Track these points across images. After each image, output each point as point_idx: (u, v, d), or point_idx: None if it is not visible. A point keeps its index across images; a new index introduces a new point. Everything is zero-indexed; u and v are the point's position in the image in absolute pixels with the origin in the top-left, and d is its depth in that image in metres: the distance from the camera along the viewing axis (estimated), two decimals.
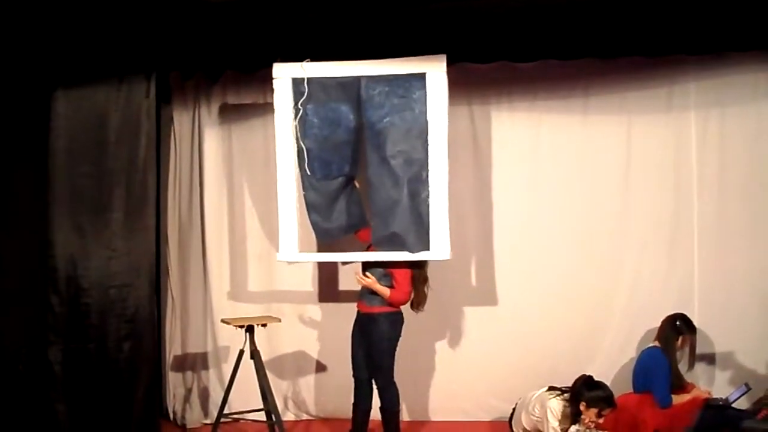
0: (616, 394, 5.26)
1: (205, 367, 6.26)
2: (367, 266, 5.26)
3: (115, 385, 5.24)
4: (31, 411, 5.22)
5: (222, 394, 5.58)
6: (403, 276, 5.18)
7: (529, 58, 5.97)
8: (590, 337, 6.03)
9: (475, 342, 6.13)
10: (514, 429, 5.37)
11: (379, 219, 5.24)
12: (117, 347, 5.26)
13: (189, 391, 6.24)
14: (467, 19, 5.35)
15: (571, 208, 6.05)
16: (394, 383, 5.23)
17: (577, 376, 5.26)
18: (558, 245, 6.05)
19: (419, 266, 5.24)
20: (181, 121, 6.28)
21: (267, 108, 5.86)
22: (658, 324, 5.58)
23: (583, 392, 4.96)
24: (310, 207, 5.34)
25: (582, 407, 4.92)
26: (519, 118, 6.10)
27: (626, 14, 5.35)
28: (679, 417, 5.30)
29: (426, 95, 5.13)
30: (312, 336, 6.24)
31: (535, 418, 5.14)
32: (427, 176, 5.15)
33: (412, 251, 5.17)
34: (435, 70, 5.12)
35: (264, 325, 5.53)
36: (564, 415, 4.99)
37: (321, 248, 5.86)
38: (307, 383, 6.26)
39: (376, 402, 5.31)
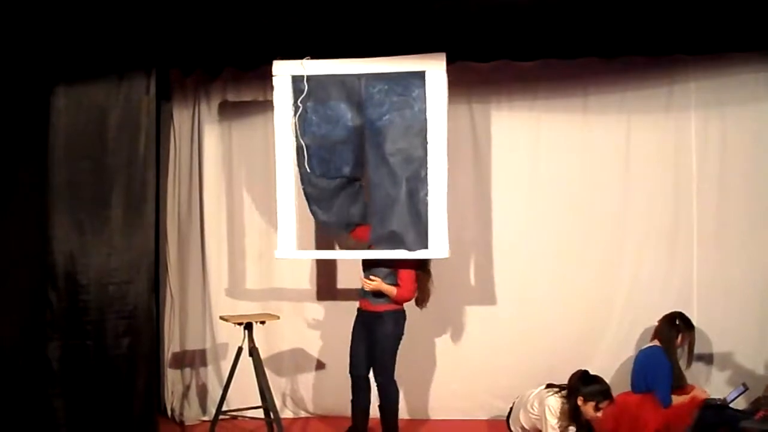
0: (615, 392, 5.25)
1: (204, 364, 6.27)
2: (369, 266, 5.27)
3: (113, 382, 5.23)
4: (29, 407, 5.21)
5: (220, 391, 5.58)
6: (407, 274, 5.20)
7: (529, 57, 5.97)
8: (589, 336, 6.03)
9: (474, 341, 6.13)
10: (512, 427, 5.36)
11: (378, 217, 5.24)
12: (115, 344, 5.25)
13: (187, 388, 6.24)
14: (467, 18, 5.34)
15: (571, 207, 6.05)
16: (395, 381, 5.24)
17: None
18: (557, 243, 6.06)
19: (423, 263, 5.25)
20: (180, 117, 6.28)
21: (267, 105, 5.87)
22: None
23: (580, 387, 4.95)
24: (310, 200, 5.36)
25: (579, 402, 4.92)
26: (519, 117, 6.10)
27: (627, 14, 5.34)
28: (679, 417, 5.29)
29: (425, 93, 5.13)
30: (310, 334, 6.24)
31: (534, 416, 5.13)
32: (426, 174, 5.15)
33: (410, 249, 5.16)
34: (435, 69, 5.11)
35: (263, 323, 5.53)
36: (563, 413, 4.98)
37: (320, 246, 5.86)
38: (306, 381, 6.26)
39: (373, 400, 5.32)
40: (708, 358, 5.94)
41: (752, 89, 5.92)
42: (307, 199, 5.35)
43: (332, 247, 6.07)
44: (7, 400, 5.22)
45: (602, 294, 6.04)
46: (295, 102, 5.27)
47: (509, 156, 6.10)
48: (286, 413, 6.19)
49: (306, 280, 6.23)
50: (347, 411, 5.36)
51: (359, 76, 5.21)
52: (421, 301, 5.30)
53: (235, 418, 5.89)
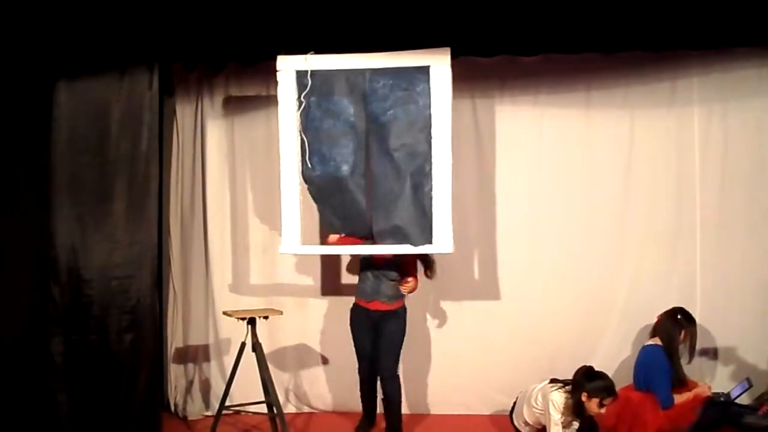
0: (618, 387, 5.25)
1: (207, 359, 6.26)
2: (368, 266, 5.34)
3: (116, 377, 5.23)
4: (32, 402, 5.20)
5: (223, 387, 5.58)
6: (412, 264, 5.32)
7: (532, 52, 5.97)
8: (592, 331, 6.04)
9: (477, 335, 6.13)
10: (515, 422, 5.36)
11: (382, 211, 5.23)
12: (118, 339, 5.25)
13: (190, 383, 6.24)
14: (471, 13, 5.34)
15: (574, 202, 6.04)
16: (398, 375, 5.28)
17: None
18: (560, 238, 6.06)
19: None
20: (183, 112, 6.27)
21: (270, 100, 5.86)
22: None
23: (584, 383, 4.95)
24: (313, 198, 5.36)
25: (583, 398, 4.91)
26: (522, 112, 6.10)
27: (630, 8, 5.34)
28: (681, 416, 5.28)
29: (430, 88, 5.12)
30: (314, 329, 6.24)
31: (538, 411, 5.13)
32: (430, 169, 5.14)
33: (414, 244, 5.17)
34: (439, 64, 5.10)
35: (266, 318, 5.53)
36: (566, 408, 4.98)
37: (324, 241, 5.85)
38: (309, 376, 6.26)
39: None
40: (712, 353, 5.95)
41: (755, 84, 5.92)
42: (311, 196, 5.35)
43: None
44: (11, 395, 5.21)
45: (605, 288, 6.05)
46: (299, 97, 5.25)
47: (512, 151, 6.10)
48: (289, 408, 6.18)
49: (310, 275, 6.23)
50: (350, 406, 5.38)
51: (363, 71, 5.19)
52: (432, 273, 5.49)
53: (238, 413, 5.89)
